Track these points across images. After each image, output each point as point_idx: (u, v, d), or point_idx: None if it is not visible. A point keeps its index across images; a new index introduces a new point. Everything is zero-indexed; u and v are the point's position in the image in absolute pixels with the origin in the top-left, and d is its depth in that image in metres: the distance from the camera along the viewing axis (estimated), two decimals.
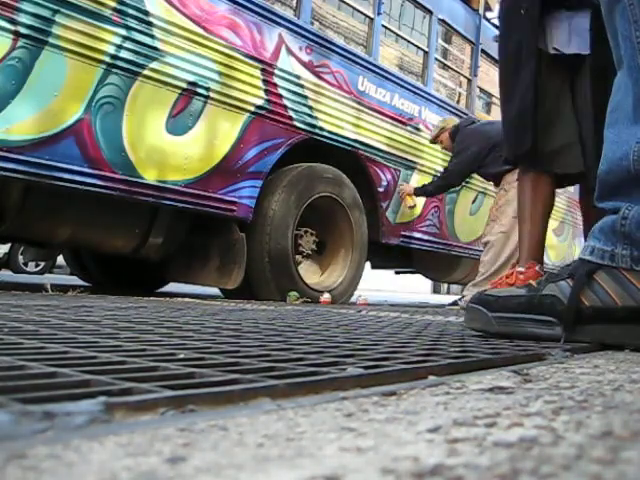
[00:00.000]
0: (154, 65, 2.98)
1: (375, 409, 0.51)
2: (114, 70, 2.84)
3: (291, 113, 3.67)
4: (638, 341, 1.15)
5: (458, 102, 5.73)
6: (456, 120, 4.59)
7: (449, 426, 0.45)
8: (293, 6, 3.85)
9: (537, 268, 2.29)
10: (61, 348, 0.75)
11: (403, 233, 4.66)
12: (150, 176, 3.00)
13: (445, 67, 5.59)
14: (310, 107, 3.80)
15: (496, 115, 6.35)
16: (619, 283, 1.18)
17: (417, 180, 4.78)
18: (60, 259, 6.17)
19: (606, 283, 1.19)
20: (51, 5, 2.62)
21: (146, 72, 2.95)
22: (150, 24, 2.97)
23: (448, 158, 5.13)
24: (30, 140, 2.59)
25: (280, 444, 0.38)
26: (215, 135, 3.28)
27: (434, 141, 4.57)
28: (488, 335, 1.28)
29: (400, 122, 4.58)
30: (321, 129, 3.87)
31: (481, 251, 5.55)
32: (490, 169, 4.10)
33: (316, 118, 3.84)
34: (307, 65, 3.79)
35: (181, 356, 0.74)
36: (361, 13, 4.41)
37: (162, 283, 5.03)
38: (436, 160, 5.00)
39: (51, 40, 2.62)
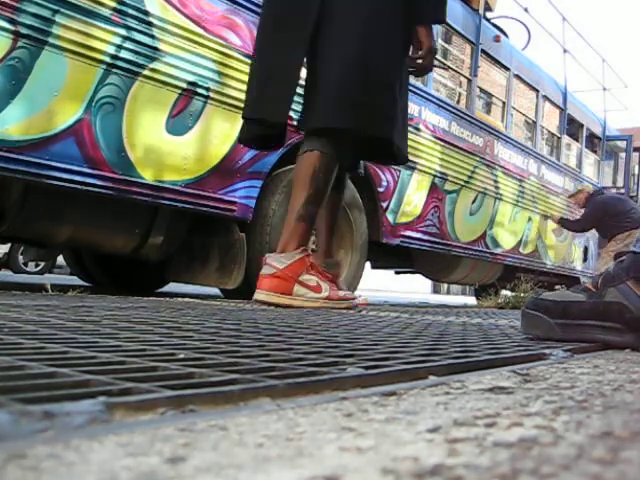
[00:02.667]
0: (154, 65, 2.98)
1: (375, 409, 0.51)
2: (114, 70, 2.83)
3: (291, 113, 3.66)
4: None
5: (458, 102, 5.73)
6: (590, 187, 7.09)
7: (449, 426, 0.45)
8: None
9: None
10: (61, 348, 0.75)
11: (403, 233, 4.66)
12: (150, 176, 3.00)
13: (445, 67, 5.59)
14: None
15: (496, 115, 6.35)
16: None
17: (417, 180, 4.78)
18: (60, 259, 6.17)
19: None
20: (51, 5, 2.62)
21: (146, 72, 2.95)
22: (150, 24, 2.96)
23: (447, 159, 5.14)
24: (30, 140, 2.59)
25: (280, 444, 0.38)
26: (215, 135, 3.28)
27: (571, 196, 6.90)
28: (552, 341, 1.22)
29: None
30: None
31: (481, 251, 5.66)
32: (601, 231, 6.82)
33: None
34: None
35: (181, 356, 0.74)
36: None
37: (162, 283, 5.03)
38: (434, 160, 5.00)
39: (51, 40, 2.62)
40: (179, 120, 3.10)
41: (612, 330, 1.20)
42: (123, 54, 2.86)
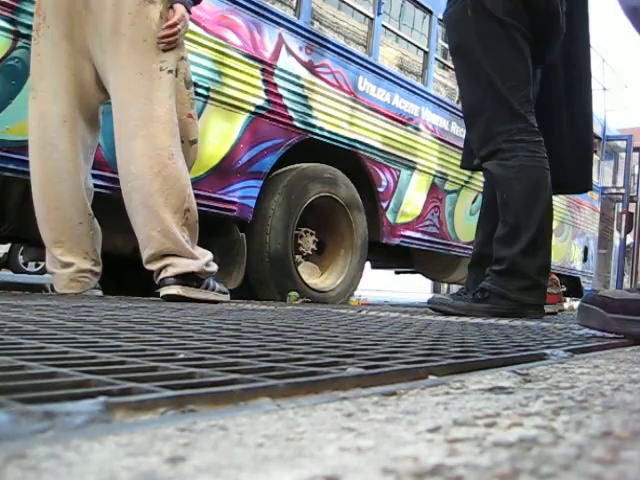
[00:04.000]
0: None
1: (375, 409, 0.51)
2: None
3: (291, 113, 3.67)
4: None
5: (458, 102, 5.72)
6: None
7: (449, 426, 0.45)
8: (293, 6, 3.85)
9: None
10: (61, 348, 0.75)
11: (403, 233, 4.66)
12: None
13: (445, 67, 5.58)
14: (310, 107, 3.80)
15: None
16: None
17: (417, 180, 4.78)
18: None
19: None
20: None
21: None
22: None
23: (447, 159, 5.14)
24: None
25: (280, 444, 0.38)
26: (215, 135, 3.28)
27: None
28: (605, 332, 1.39)
29: (400, 122, 4.58)
30: (321, 129, 3.87)
31: None
32: None
33: (316, 118, 3.84)
34: (307, 65, 3.79)
35: (181, 356, 0.74)
36: (361, 13, 4.41)
37: None
38: (434, 160, 5.00)
39: None
40: None
41: None
42: None
